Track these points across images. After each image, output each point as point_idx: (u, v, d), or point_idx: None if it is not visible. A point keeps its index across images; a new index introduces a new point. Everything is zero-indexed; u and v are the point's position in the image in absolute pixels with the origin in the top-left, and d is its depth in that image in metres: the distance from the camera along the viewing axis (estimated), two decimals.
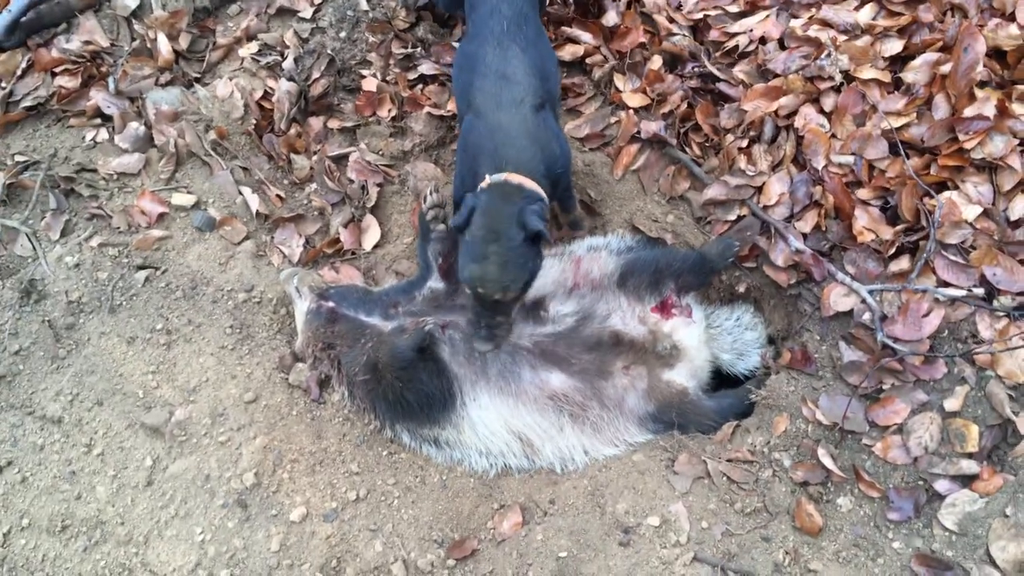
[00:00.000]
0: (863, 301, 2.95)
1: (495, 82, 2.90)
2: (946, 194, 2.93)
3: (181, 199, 3.43)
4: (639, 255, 3.28)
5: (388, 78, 3.71)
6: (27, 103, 3.50)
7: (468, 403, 2.98)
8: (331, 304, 3.14)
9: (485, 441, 2.98)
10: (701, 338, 3.28)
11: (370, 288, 3.36)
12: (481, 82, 2.93)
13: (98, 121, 3.54)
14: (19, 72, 3.55)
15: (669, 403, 3.09)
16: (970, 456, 2.67)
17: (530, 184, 2.74)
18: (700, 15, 3.56)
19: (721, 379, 3.39)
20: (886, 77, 3.14)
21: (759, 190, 3.29)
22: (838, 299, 3.02)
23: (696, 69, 3.50)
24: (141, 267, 3.30)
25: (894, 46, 3.16)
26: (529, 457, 3.01)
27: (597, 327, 3.13)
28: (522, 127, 2.84)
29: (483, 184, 2.75)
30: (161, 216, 3.39)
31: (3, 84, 3.53)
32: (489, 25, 2.98)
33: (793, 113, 3.27)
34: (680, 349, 3.18)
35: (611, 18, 3.64)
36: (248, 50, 3.72)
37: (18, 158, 3.41)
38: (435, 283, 3.26)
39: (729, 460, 2.91)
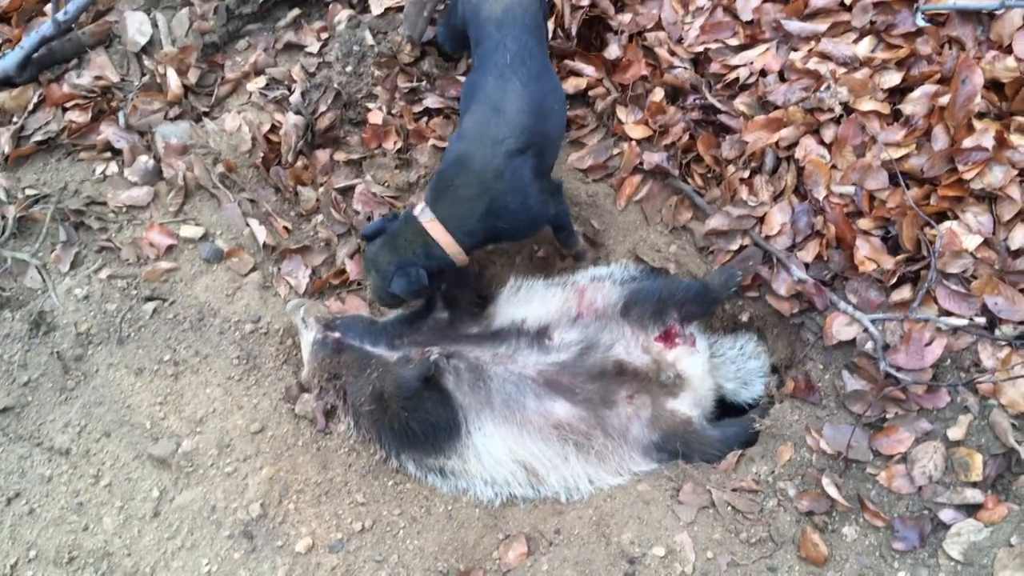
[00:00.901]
0: (865, 330, 2.97)
1: (487, 112, 2.97)
2: (946, 224, 2.95)
3: (189, 231, 3.47)
4: (642, 285, 3.31)
5: (394, 111, 3.76)
6: (38, 137, 3.55)
7: (473, 432, 2.99)
8: (337, 335, 3.16)
9: (490, 470, 2.99)
10: (705, 367, 3.29)
11: (375, 318, 3.38)
12: (476, 107, 3.01)
13: (108, 155, 3.59)
14: (31, 107, 3.60)
15: (673, 432, 3.10)
16: (974, 485, 2.68)
17: (442, 238, 2.95)
18: (701, 48, 3.60)
19: (725, 408, 3.40)
20: (885, 109, 3.17)
21: (761, 220, 3.32)
22: (840, 328, 3.04)
23: (698, 101, 3.54)
24: (149, 299, 3.33)
25: (893, 78, 3.20)
26: (534, 487, 3.01)
27: (601, 356, 3.14)
28: (483, 171, 2.91)
29: (416, 208, 3.00)
30: (169, 248, 3.43)
31: (15, 119, 3.59)
32: (493, 58, 3.03)
33: (794, 144, 3.30)
34: (684, 378, 3.19)
35: (613, 51, 3.68)
36: (256, 84, 3.77)
37: (29, 191, 3.45)
38: (440, 313, 3.29)
39: (734, 489, 2.92)
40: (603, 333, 3.20)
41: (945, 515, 2.67)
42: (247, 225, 3.53)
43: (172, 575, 2.79)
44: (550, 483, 3.01)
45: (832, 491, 2.79)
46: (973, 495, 2.66)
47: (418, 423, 2.92)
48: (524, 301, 3.32)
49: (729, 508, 2.87)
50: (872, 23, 3.31)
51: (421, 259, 2.95)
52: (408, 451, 3.03)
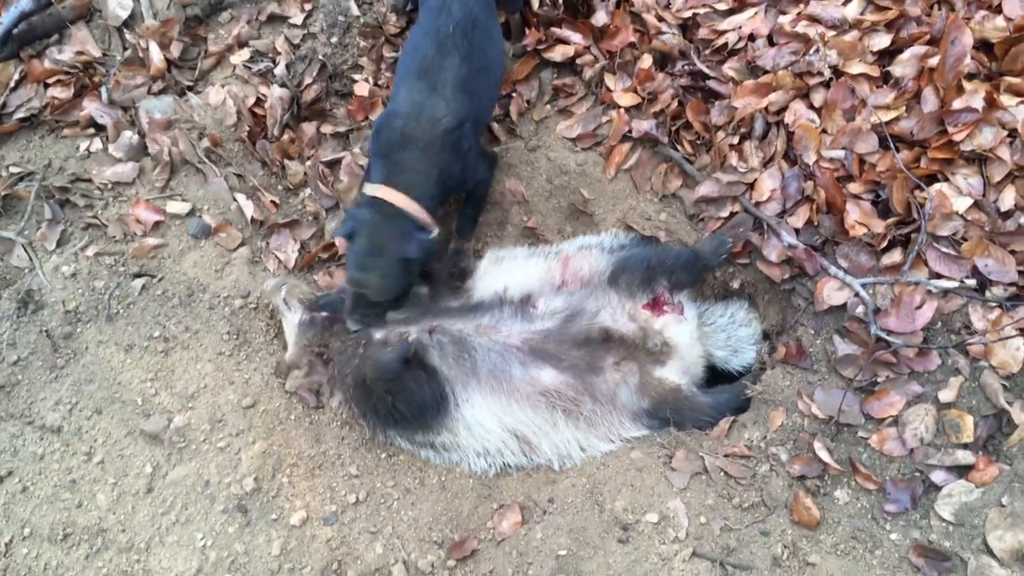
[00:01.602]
0: (856, 295, 2.97)
1: (423, 91, 3.00)
2: (936, 186, 2.94)
3: (176, 207, 3.44)
4: (632, 253, 3.29)
5: (380, 82, 3.73)
6: (20, 114, 3.51)
7: (461, 404, 2.98)
8: (324, 314, 3.15)
9: (482, 441, 2.99)
10: (693, 335, 3.28)
11: None
12: (411, 82, 3.03)
13: (92, 131, 3.55)
14: (12, 84, 3.56)
15: (663, 399, 3.10)
16: (965, 447, 2.69)
17: (413, 208, 2.96)
18: (689, 13, 3.57)
19: (716, 376, 3.41)
20: (875, 71, 3.15)
21: (751, 186, 3.30)
22: (831, 293, 3.04)
23: (686, 67, 3.51)
24: (137, 275, 3.31)
25: (882, 40, 3.17)
26: (527, 455, 3.02)
27: (586, 323, 3.12)
28: (428, 147, 2.97)
29: (367, 192, 2.99)
30: (156, 224, 3.40)
31: None
32: (436, 23, 3.04)
33: (783, 109, 3.28)
34: (671, 346, 3.18)
35: (600, 18, 3.65)
36: (240, 57, 3.73)
37: (12, 169, 3.42)
38: (420, 288, 3.28)
39: (726, 456, 2.93)
40: (588, 300, 3.18)
41: (936, 477, 2.68)
42: (234, 200, 3.50)
43: (167, 550, 2.79)
44: (543, 450, 3.01)
45: (824, 455, 2.80)
46: (964, 456, 2.67)
47: (404, 404, 2.91)
48: (506, 271, 3.30)
49: (722, 474, 2.88)
50: None
51: (408, 233, 2.96)
52: (397, 430, 3.03)
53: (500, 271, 3.31)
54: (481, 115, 3.24)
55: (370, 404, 2.96)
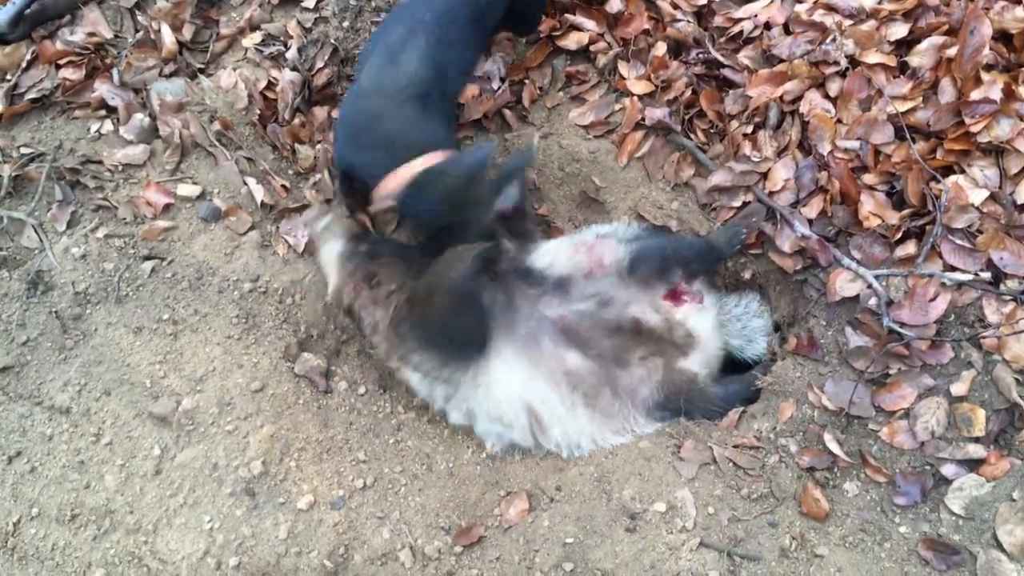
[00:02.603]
0: (869, 286, 2.95)
1: (382, 64, 2.98)
2: (952, 178, 2.91)
3: (186, 190, 3.43)
4: (647, 243, 3.27)
5: None
6: (32, 95, 3.50)
7: (494, 355, 2.96)
8: (367, 245, 3.13)
9: (498, 405, 2.96)
10: (714, 324, 3.27)
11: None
12: (373, 59, 3.02)
13: (103, 112, 3.54)
14: (24, 64, 3.54)
15: (678, 390, 3.09)
16: (977, 440, 2.67)
17: (436, 159, 2.91)
18: (704, 1, 3.54)
19: (728, 364, 3.39)
20: (892, 61, 3.12)
21: (764, 176, 3.28)
22: (844, 284, 3.02)
23: (701, 55, 3.48)
24: (147, 258, 3.31)
25: (900, 30, 3.14)
26: (536, 436, 2.99)
27: (618, 312, 3.09)
28: (407, 112, 2.93)
29: (406, 173, 2.92)
30: (167, 207, 3.39)
31: (8, 76, 3.53)
32: (412, 8, 3.06)
33: (798, 98, 3.25)
34: (695, 336, 3.17)
35: (615, 5, 3.62)
36: (252, 40, 3.71)
37: (23, 150, 3.41)
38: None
39: (735, 446, 2.92)
40: (618, 290, 3.15)
41: (947, 470, 2.67)
42: (245, 184, 3.49)
43: (175, 532, 2.80)
44: (552, 434, 2.99)
45: (834, 447, 2.79)
46: (975, 450, 2.65)
47: (453, 319, 2.90)
48: (545, 252, 3.27)
49: (730, 464, 2.87)
50: None
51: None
52: (428, 351, 2.98)
53: (545, 251, 3.28)
54: (448, 92, 3.19)
55: (417, 315, 2.92)
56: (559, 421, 2.98)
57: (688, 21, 3.52)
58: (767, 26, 3.39)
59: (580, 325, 3.05)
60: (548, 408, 2.97)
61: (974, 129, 2.88)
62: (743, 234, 3.28)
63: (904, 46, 3.16)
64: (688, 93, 3.46)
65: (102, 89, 3.51)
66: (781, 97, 3.26)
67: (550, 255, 3.25)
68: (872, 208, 3.00)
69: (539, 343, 3.00)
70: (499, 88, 3.65)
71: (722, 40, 3.48)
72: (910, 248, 2.96)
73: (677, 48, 3.57)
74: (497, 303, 3.02)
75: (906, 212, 2.97)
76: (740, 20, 3.44)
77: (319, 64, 3.64)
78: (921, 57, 3.08)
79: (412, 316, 2.95)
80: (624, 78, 3.56)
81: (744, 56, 3.40)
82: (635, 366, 3.07)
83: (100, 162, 3.44)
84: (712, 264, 3.35)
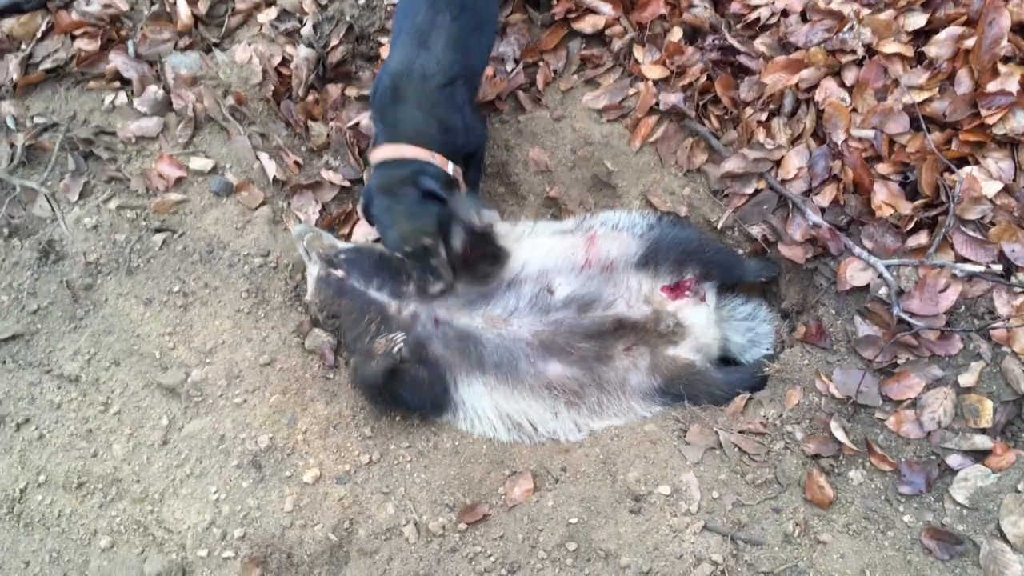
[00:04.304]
0: (880, 276, 2.94)
1: (414, 48, 2.97)
2: (966, 169, 2.90)
3: (199, 163, 3.44)
4: (669, 232, 3.26)
5: None
6: (47, 65, 3.51)
7: (463, 392, 3.01)
8: (340, 273, 3.12)
9: (481, 427, 3.04)
10: (709, 318, 3.23)
11: (386, 252, 3.29)
12: (404, 39, 3.01)
13: (117, 84, 3.55)
14: (39, 34, 3.56)
15: (677, 376, 3.07)
16: (983, 431, 2.67)
17: (423, 154, 2.95)
18: None
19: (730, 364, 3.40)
20: (909, 51, 3.11)
21: (777, 164, 3.27)
22: (855, 274, 3.01)
23: (716, 41, 3.47)
24: (159, 230, 3.32)
25: (918, 20, 3.13)
26: (527, 437, 3.04)
27: (600, 314, 3.06)
28: (424, 101, 2.95)
29: (374, 157, 3.00)
30: (179, 180, 3.40)
31: (23, 46, 3.54)
32: None
33: (814, 86, 3.24)
34: (684, 327, 3.13)
35: None
36: (267, 16, 3.71)
37: (37, 120, 3.42)
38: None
39: (741, 432, 2.92)
40: (607, 287, 3.12)
41: (953, 460, 2.67)
42: (257, 159, 3.50)
43: (181, 502, 2.81)
44: (541, 431, 3.04)
45: (840, 435, 2.79)
46: (982, 441, 2.65)
47: (404, 396, 2.98)
48: (527, 248, 3.22)
49: (736, 450, 2.87)
50: None
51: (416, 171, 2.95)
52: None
53: (521, 249, 3.21)
54: (473, 73, 3.19)
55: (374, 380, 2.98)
56: (543, 424, 3.02)
57: (704, 7, 3.51)
58: (784, 13, 3.38)
59: (557, 335, 3.03)
60: (533, 416, 3.01)
61: (990, 121, 2.88)
62: (775, 273, 3.34)
63: (922, 36, 3.15)
64: (703, 79, 3.45)
65: (117, 61, 3.53)
66: (796, 85, 3.25)
67: (522, 255, 3.19)
68: (885, 198, 3.00)
69: (516, 365, 3.00)
70: (513, 70, 3.65)
71: (738, 26, 3.47)
72: (922, 238, 2.95)
73: (693, 34, 3.56)
74: (452, 346, 3.02)
75: (919, 202, 2.97)
76: (757, 7, 3.43)
77: (334, 41, 3.63)
78: (939, 48, 3.07)
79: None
80: (639, 63, 3.54)
81: (760, 43, 3.39)
82: (619, 358, 3.05)
83: (113, 133, 3.45)
84: (731, 278, 3.35)
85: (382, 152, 2.98)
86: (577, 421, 3.03)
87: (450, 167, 3.05)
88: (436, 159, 2.99)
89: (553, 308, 3.07)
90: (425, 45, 2.96)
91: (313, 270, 3.17)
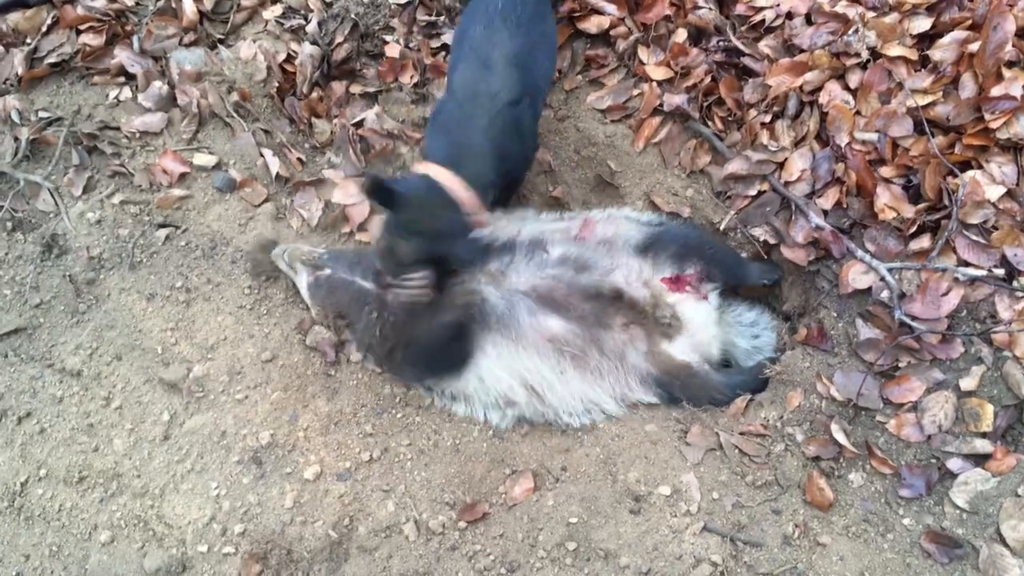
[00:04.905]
0: (882, 279, 2.94)
1: (475, 70, 2.92)
2: (970, 173, 2.90)
3: (203, 159, 3.44)
4: (672, 227, 3.29)
5: (411, 45, 3.71)
6: (51, 59, 3.51)
7: (476, 355, 2.98)
8: (327, 271, 3.13)
9: (492, 392, 3.00)
10: (709, 317, 3.22)
11: (360, 250, 3.33)
12: (464, 65, 2.97)
13: (122, 79, 3.55)
14: (44, 29, 3.56)
15: (673, 374, 3.07)
16: (984, 436, 2.67)
17: (466, 197, 2.80)
18: None
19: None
20: (913, 55, 3.11)
21: (781, 166, 3.27)
22: (857, 276, 3.02)
23: (721, 43, 3.47)
24: (162, 225, 3.32)
25: (922, 23, 3.13)
26: (536, 405, 3.01)
27: (597, 278, 3.05)
28: (488, 126, 2.85)
29: (424, 169, 2.82)
30: (182, 176, 3.40)
31: (28, 40, 3.54)
32: (484, 3, 3.00)
33: (818, 89, 3.25)
34: (680, 320, 3.11)
35: None
36: (272, 13, 3.71)
37: (42, 114, 3.42)
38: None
39: (742, 433, 2.92)
40: (603, 258, 3.11)
41: (953, 464, 2.67)
42: (261, 155, 3.50)
43: (181, 497, 2.82)
44: (549, 401, 3.00)
45: (840, 437, 2.79)
46: (982, 445, 2.65)
47: (433, 355, 2.97)
48: (522, 220, 3.25)
49: (736, 451, 2.88)
50: None
51: (456, 225, 2.84)
52: (414, 371, 3.09)
53: (516, 221, 3.25)
54: (538, 90, 3.12)
55: (396, 356, 2.99)
56: (551, 388, 2.99)
57: (709, 8, 3.51)
58: (789, 16, 3.38)
59: (555, 290, 3.01)
60: (539, 377, 2.98)
61: (993, 125, 2.87)
62: (778, 277, 3.35)
63: (926, 40, 3.15)
64: (707, 80, 3.46)
65: (122, 56, 3.53)
66: (801, 87, 3.26)
67: (517, 224, 3.21)
68: (888, 201, 3.00)
69: (517, 319, 2.98)
70: None
71: (743, 28, 3.47)
72: (924, 242, 2.96)
73: (698, 35, 3.56)
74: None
75: (922, 206, 2.97)
76: (762, 9, 3.43)
77: (339, 39, 3.64)
78: (943, 51, 3.07)
79: (391, 357, 3.04)
80: (643, 63, 3.55)
81: (765, 45, 3.39)
82: (618, 330, 3.04)
83: (118, 128, 3.45)
84: (732, 278, 3.32)
85: (439, 174, 2.80)
86: (583, 388, 3.00)
87: (479, 208, 2.92)
88: (474, 203, 2.84)
89: (549, 264, 3.07)
90: (487, 66, 2.90)
91: (302, 280, 3.18)
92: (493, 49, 2.92)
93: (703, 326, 3.19)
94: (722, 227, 3.42)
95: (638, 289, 3.10)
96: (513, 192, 3.48)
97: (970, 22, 3.07)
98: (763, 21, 3.41)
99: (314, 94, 3.63)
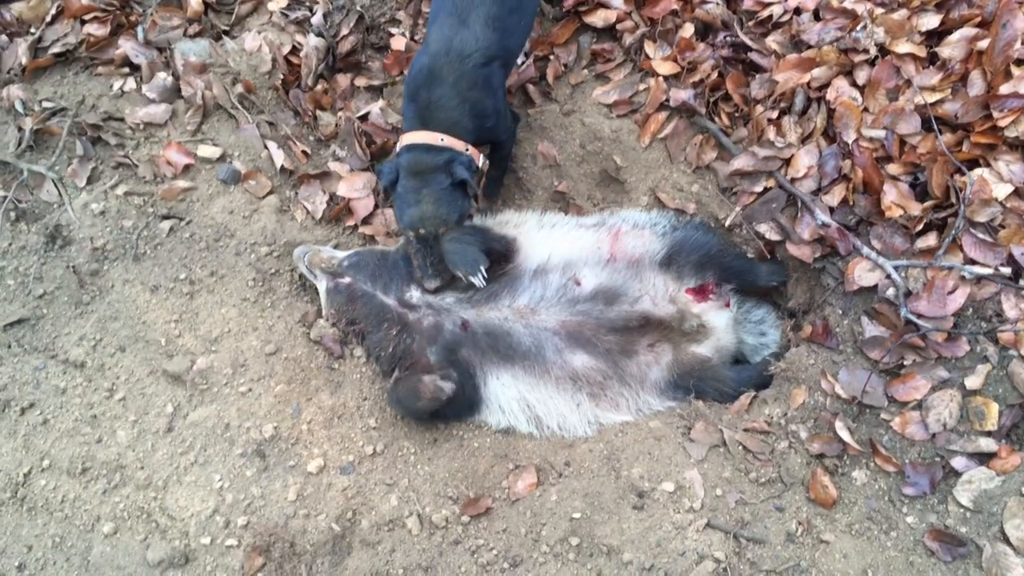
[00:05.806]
0: (888, 277, 2.94)
1: (453, 24, 2.96)
2: (977, 171, 2.89)
3: (207, 151, 3.43)
4: (691, 235, 3.32)
5: (416, 37, 3.70)
6: (56, 49, 3.49)
7: (491, 386, 3.03)
8: (347, 280, 3.15)
9: (504, 420, 3.06)
10: (730, 323, 3.31)
11: (386, 251, 3.32)
12: (443, 16, 3.00)
13: (126, 70, 3.54)
14: (49, 18, 3.54)
15: (690, 370, 3.12)
16: (988, 434, 2.67)
17: (458, 144, 2.96)
18: None
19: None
20: (922, 52, 3.10)
21: (787, 162, 3.26)
22: (863, 274, 3.01)
23: (728, 38, 3.46)
24: (166, 217, 3.31)
25: (931, 20, 3.12)
26: (538, 428, 3.06)
27: (627, 309, 3.10)
28: (459, 83, 2.94)
29: (403, 142, 2.98)
30: (187, 167, 3.40)
31: (32, 30, 3.53)
32: None
33: (825, 85, 3.23)
34: (707, 328, 3.21)
35: None
36: (277, 4, 3.70)
37: (46, 104, 3.41)
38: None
39: (746, 430, 2.92)
40: (633, 283, 3.16)
41: (957, 463, 2.67)
42: (265, 148, 3.49)
43: (184, 489, 2.82)
44: (549, 425, 3.05)
45: (844, 435, 2.79)
46: (987, 444, 2.65)
47: (444, 414, 3.03)
48: (552, 239, 3.26)
49: (740, 448, 2.87)
50: None
51: (449, 159, 2.95)
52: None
53: (545, 238, 3.27)
54: (510, 55, 3.18)
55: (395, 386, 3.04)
56: (563, 420, 3.03)
57: (717, 3, 3.50)
58: (797, 11, 3.37)
59: (584, 326, 3.05)
60: (550, 407, 3.02)
61: (1002, 123, 2.86)
62: (785, 277, 3.38)
63: (935, 37, 3.14)
64: (714, 76, 3.44)
65: (126, 46, 3.51)
66: (808, 83, 3.24)
67: (547, 245, 3.22)
68: (895, 198, 2.99)
69: (543, 355, 3.02)
70: (523, 63, 3.64)
71: (751, 24, 3.45)
72: (931, 240, 2.95)
73: (705, 30, 3.55)
74: (480, 345, 3.04)
75: (929, 204, 2.96)
76: (770, 4, 3.42)
77: (344, 31, 3.63)
78: (952, 49, 3.05)
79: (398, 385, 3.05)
80: (650, 58, 3.54)
81: (772, 41, 3.38)
82: (642, 353, 3.09)
83: (122, 119, 3.44)
84: (745, 283, 3.39)
85: (415, 137, 2.96)
86: (596, 414, 3.05)
87: (481, 159, 3.06)
88: (471, 151, 2.99)
89: (580, 299, 3.10)
90: (464, 23, 2.94)
91: (321, 285, 3.19)
92: (473, 9, 2.95)
93: (726, 331, 3.28)
94: (727, 223, 3.41)
95: (665, 307, 3.15)
96: (502, 170, 3.49)
97: (979, 19, 3.05)
98: (771, 16, 3.40)
99: (319, 86, 3.62)
